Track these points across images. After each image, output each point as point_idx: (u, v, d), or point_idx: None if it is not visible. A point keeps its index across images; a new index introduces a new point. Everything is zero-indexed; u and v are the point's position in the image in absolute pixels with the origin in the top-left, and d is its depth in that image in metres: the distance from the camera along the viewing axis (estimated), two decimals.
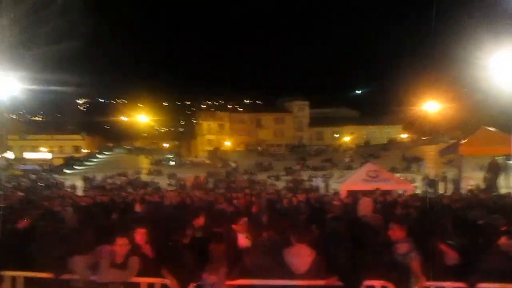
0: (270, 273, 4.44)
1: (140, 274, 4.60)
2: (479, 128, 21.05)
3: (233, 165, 49.09)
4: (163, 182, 38.18)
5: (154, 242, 4.91)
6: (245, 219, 5.64)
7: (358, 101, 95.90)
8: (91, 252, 4.74)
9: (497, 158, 19.68)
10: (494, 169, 18.85)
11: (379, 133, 78.17)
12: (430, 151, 53.05)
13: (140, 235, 4.94)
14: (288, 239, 4.67)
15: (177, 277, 4.51)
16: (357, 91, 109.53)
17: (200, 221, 5.63)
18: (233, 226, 5.49)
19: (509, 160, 22.40)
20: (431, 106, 65.96)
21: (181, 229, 4.87)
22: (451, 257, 4.61)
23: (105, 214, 7.07)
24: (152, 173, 46.79)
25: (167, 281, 4.53)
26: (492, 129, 20.07)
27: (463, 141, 19.41)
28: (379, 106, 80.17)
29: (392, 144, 66.37)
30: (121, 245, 4.63)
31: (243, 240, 5.22)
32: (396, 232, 4.62)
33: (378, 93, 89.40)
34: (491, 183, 19.17)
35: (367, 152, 57.20)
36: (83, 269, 4.57)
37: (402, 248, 4.56)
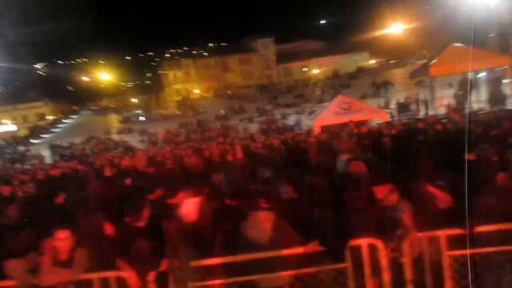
0: (235, 249, 3.82)
1: (92, 268, 3.92)
2: (447, 46, 20.58)
3: (222, 112, 47.38)
4: (135, 139, 37.20)
5: (103, 230, 4.19)
6: (206, 189, 4.86)
7: (322, 32, 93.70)
8: (29, 252, 4.02)
9: (467, 74, 19.36)
10: (465, 86, 18.60)
11: (347, 62, 77.41)
12: (399, 74, 53.03)
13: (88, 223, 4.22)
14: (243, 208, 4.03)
15: (134, 267, 3.84)
16: (320, 22, 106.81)
17: (158, 193, 4.91)
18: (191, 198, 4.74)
19: (478, 75, 22.12)
20: (395, 28, 65.38)
21: (136, 210, 4.11)
22: (443, 200, 4.07)
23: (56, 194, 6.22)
24: (123, 131, 45.49)
25: (123, 273, 3.87)
26: (459, 45, 19.61)
27: (433, 62, 18.95)
28: (343, 34, 78.70)
29: (361, 71, 66.07)
30: (62, 239, 3.90)
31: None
32: (382, 188, 4.01)
33: (341, 22, 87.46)
34: (462, 100, 19.04)
35: (337, 83, 56.83)
36: (21, 273, 3.87)
37: (390, 200, 3.99)
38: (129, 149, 27.05)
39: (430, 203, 4.05)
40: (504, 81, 20.55)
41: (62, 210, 5.07)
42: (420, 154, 5.78)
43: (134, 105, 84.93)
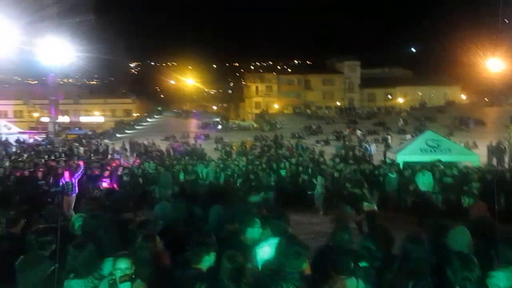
0: None
1: None
2: None
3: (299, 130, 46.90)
4: (209, 147, 37.70)
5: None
6: None
7: (413, 60, 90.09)
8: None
9: None
10: None
11: (435, 94, 73.53)
12: (492, 114, 49.23)
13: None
14: None
15: None
16: (411, 49, 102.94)
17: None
18: None
19: None
20: (493, 65, 60.86)
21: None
22: None
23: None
24: (200, 137, 46.52)
25: None
26: None
27: None
28: (435, 65, 74.99)
29: (449, 106, 62.34)
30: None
31: None
32: None
33: (434, 51, 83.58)
34: None
35: (422, 115, 53.97)
36: None
37: None
38: (203, 156, 27.31)
39: None
40: None
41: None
42: None
43: (214, 111, 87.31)
